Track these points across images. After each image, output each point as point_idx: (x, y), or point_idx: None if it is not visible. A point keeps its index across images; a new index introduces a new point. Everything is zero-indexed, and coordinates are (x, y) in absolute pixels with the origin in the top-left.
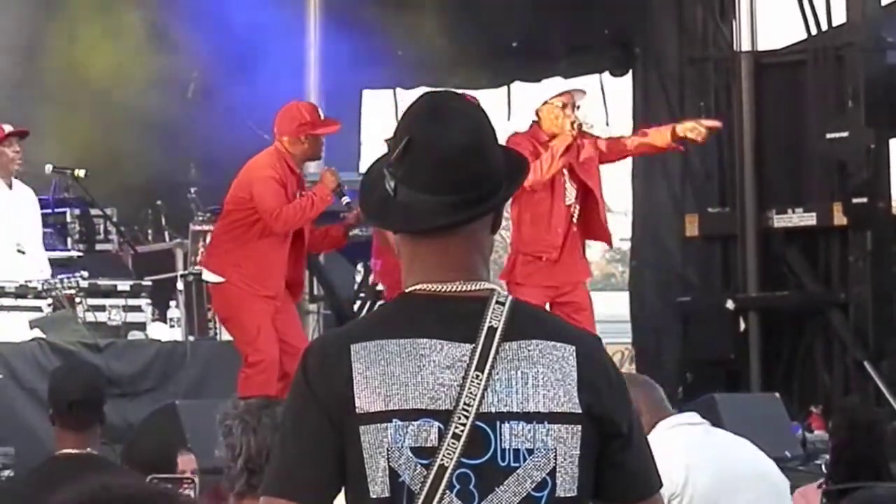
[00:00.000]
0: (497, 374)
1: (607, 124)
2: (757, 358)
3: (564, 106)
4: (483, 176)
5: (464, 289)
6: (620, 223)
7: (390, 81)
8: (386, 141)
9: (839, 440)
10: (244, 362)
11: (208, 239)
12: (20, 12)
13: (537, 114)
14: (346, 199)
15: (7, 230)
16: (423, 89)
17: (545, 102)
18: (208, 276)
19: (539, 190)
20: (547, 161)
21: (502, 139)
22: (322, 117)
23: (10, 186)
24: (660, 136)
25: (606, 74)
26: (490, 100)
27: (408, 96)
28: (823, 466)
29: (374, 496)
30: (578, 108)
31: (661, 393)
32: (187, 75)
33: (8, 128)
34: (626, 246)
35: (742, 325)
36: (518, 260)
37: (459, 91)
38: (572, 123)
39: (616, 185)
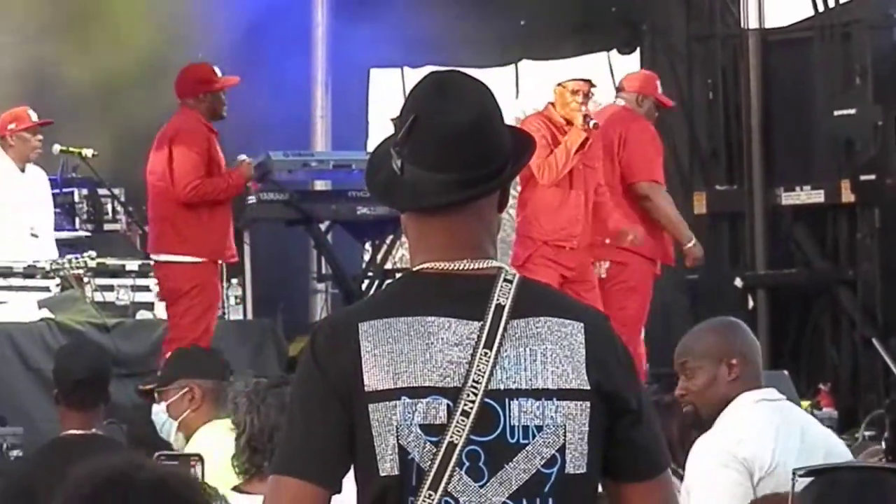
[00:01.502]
0: (505, 351)
1: (614, 102)
2: (765, 336)
3: (575, 92)
4: (489, 154)
5: (471, 267)
6: None
7: (398, 60)
8: (392, 120)
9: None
10: None
11: None
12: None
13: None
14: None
15: (21, 214)
16: (430, 68)
17: (558, 84)
18: None
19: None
20: (562, 158)
21: (514, 119)
22: (218, 74)
23: (22, 170)
24: None
25: (614, 52)
26: (498, 78)
27: (416, 75)
28: (883, 442)
29: (384, 473)
30: (591, 96)
31: (760, 359)
32: (193, 54)
33: (33, 116)
34: None
35: (750, 303)
36: (537, 250)
37: (466, 69)
38: (585, 118)
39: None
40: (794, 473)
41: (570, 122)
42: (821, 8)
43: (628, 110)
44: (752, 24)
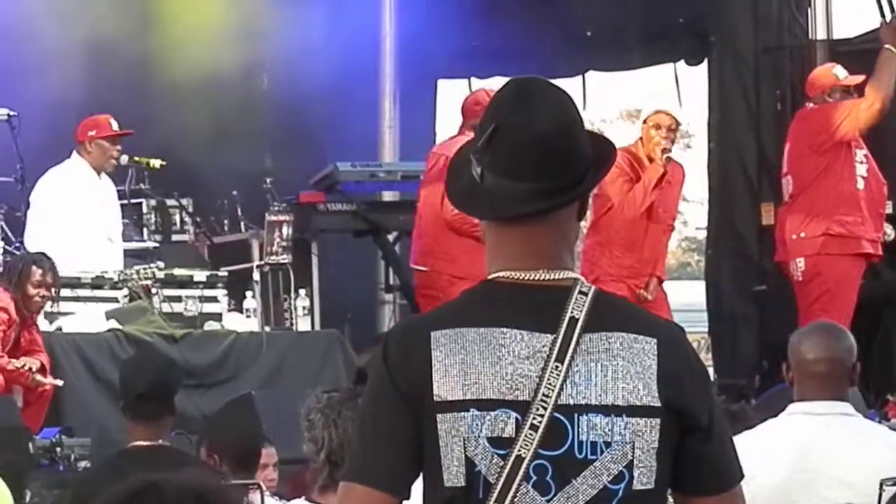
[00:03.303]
0: (577, 365)
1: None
2: None
3: (657, 127)
4: (569, 163)
5: (547, 277)
6: (696, 212)
7: (465, 71)
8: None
9: None
10: None
11: (284, 229)
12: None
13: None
14: None
15: (99, 220)
16: (497, 79)
17: (643, 120)
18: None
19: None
20: (640, 194)
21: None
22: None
23: (99, 178)
24: None
25: (681, 63)
26: (565, 89)
27: (483, 86)
28: None
29: (449, 484)
30: (675, 130)
31: (833, 370)
32: (259, 64)
33: (114, 125)
34: (702, 235)
35: None
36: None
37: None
38: (663, 151)
39: (692, 173)
40: (881, 484)
41: (651, 159)
42: (888, 18)
43: (811, 110)
44: (820, 35)
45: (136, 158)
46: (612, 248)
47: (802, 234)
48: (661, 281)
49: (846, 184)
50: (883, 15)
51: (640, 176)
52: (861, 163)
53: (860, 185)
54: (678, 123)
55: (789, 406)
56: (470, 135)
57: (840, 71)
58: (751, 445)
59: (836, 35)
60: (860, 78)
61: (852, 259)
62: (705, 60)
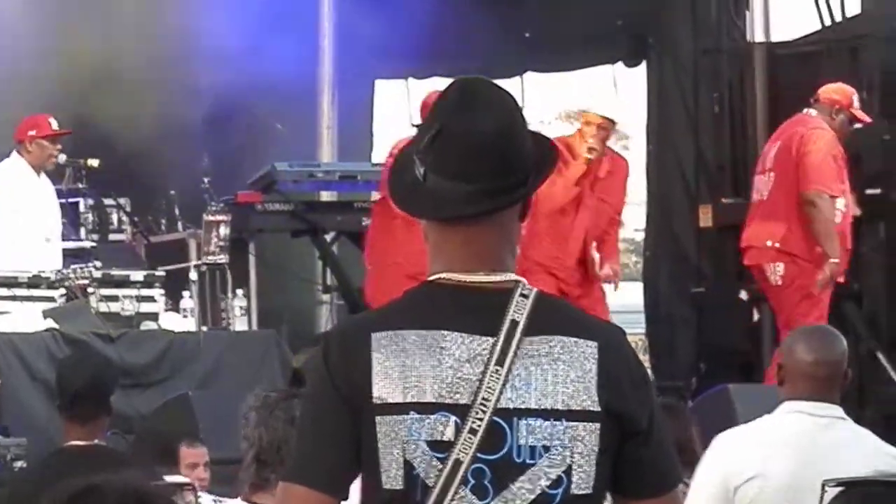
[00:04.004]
0: (517, 369)
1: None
2: (770, 348)
3: (588, 124)
4: (513, 164)
5: (488, 280)
6: (635, 213)
7: (403, 72)
8: (415, 126)
9: None
10: None
11: (221, 229)
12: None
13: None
14: None
15: (37, 220)
16: (435, 79)
17: (583, 112)
18: None
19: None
20: (560, 189)
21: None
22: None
23: (38, 177)
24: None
25: (619, 65)
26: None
27: (420, 86)
28: None
29: (388, 487)
30: (609, 134)
31: (832, 374)
32: (198, 63)
33: (54, 125)
34: (640, 236)
35: (756, 316)
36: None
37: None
38: (589, 150)
39: (630, 176)
40: (823, 485)
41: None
42: (828, 22)
43: (812, 119)
44: (759, 38)
45: (74, 159)
46: (541, 240)
47: (777, 245)
48: (615, 273)
49: None
50: (821, 18)
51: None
52: (840, 197)
53: (837, 218)
54: (612, 123)
55: (784, 404)
56: None
57: (857, 99)
58: (748, 439)
59: (775, 38)
60: (868, 118)
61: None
62: (644, 62)
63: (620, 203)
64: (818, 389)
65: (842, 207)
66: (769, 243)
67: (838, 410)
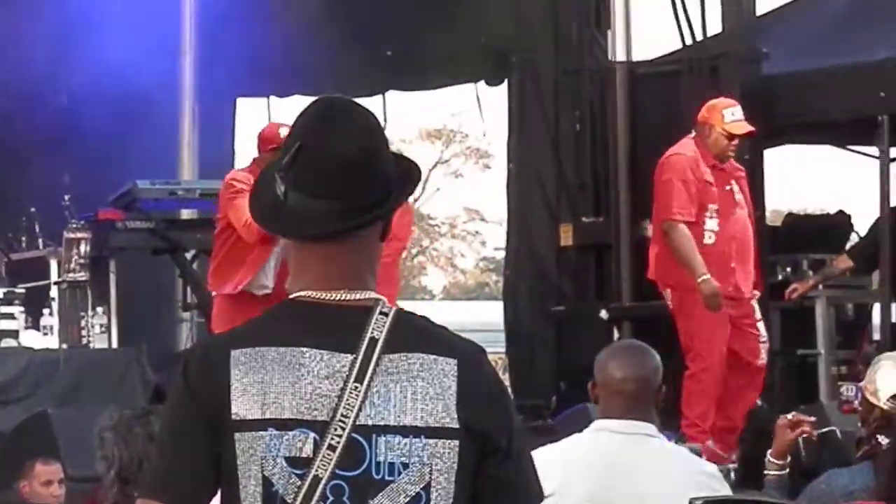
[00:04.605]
0: (376, 386)
1: (483, 134)
2: None
3: None
4: (373, 183)
5: (348, 297)
6: (495, 232)
7: (264, 90)
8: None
9: (749, 444)
10: None
11: (82, 247)
12: None
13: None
14: None
15: None
16: (297, 98)
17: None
18: None
19: None
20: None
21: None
22: None
23: None
24: None
25: (482, 84)
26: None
27: (282, 104)
28: (732, 474)
29: (247, 503)
30: None
31: (643, 390)
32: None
33: None
34: (501, 255)
35: (616, 335)
36: None
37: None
38: None
39: (491, 194)
40: (690, 502)
41: None
42: (688, 41)
43: (683, 142)
44: (620, 57)
45: None
46: None
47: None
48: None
49: (697, 238)
50: (682, 38)
51: None
52: (711, 218)
53: (709, 239)
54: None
55: (594, 422)
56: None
57: (730, 113)
58: (553, 457)
59: (636, 57)
60: (746, 128)
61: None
62: (506, 81)
63: (406, 239)
64: (629, 406)
65: (714, 227)
66: (651, 274)
67: (649, 428)
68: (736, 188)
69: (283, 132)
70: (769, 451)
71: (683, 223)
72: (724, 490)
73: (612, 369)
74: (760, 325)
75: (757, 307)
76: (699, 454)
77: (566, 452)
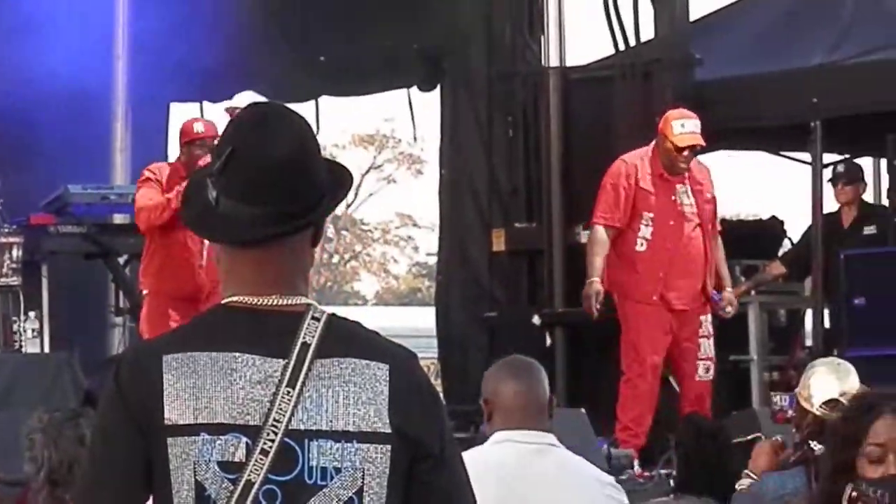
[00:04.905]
0: (308, 391)
1: (415, 139)
2: (563, 373)
3: None
4: (304, 189)
5: (280, 303)
6: (428, 237)
7: (198, 95)
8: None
9: (686, 449)
10: None
11: (14, 251)
12: None
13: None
14: None
15: None
16: (230, 103)
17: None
18: None
19: None
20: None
21: None
22: None
23: None
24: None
25: (415, 89)
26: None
27: (215, 109)
28: (671, 481)
29: None
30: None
31: (538, 401)
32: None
33: None
34: (433, 260)
35: (548, 341)
36: None
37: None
38: None
39: (424, 199)
40: None
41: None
42: (621, 47)
43: (649, 147)
44: (553, 62)
45: None
46: None
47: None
48: None
49: (629, 244)
50: (615, 43)
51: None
52: (646, 226)
53: (640, 246)
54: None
55: (496, 434)
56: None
57: (679, 125)
58: None
59: (570, 63)
60: (690, 141)
61: (637, 305)
62: (439, 87)
63: None
64: (524, 419)
65: (647, 235)
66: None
67: (549, 437)
68: (688, 200)
69: (198, 127)
70: (749, 467)
71: (604, 227)
72: (623, 498)
73: (504, 386)
74: (704, 342)
75: (706, 322)
76: (631, 459)
77: (470, 465)
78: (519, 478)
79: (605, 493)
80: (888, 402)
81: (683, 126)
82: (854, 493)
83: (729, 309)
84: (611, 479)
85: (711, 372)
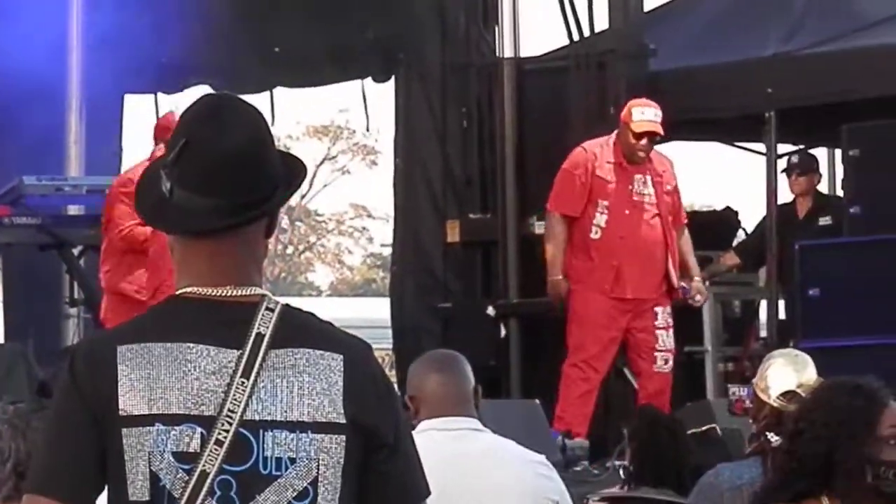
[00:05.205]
0: (263, 381)
1: (368, 130)
2: (517, 364)
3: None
4: (258, 180)
5: (234, 293)
6: (382, 228)
7: (152, 86)
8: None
9: (641, 441)
10: None
11: None
12: None
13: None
14: None
15: None
16: (184, 94)
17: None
18: None
19: None
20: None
21: None
22: None
23: None
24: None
25: (369, 80)
26: (256, 106)
27: (169, 101)
28: (622, 472)
29: (134, 499)
30: None
31: (460, 390)
32: None
33: None
34: (388, 251)
35: (503, 332)
36: None
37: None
38: None
39: (378, 190)
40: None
41: None
42: (576, 37)
43: (610, 136)
44: (507, 53)
45: None
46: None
47: None
48: None
49: (584, 231)
50: (570, 34)
51: None
52: (601, 213)
53: (595, 234)
54: None
55: (420, 424)
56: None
57: (639, 112)
58: None
59: (524, 53)
60: (647, 128)
61: (588, 293)
62: (393, 78)
63: None
64: (447, 408)
65: (601, 223)
66: None
67: (474, 422)
68: (647, 190)
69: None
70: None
71: (560, 215)
72: (555, 476)
73: (427, 380)
74: (661, 333)
75: (663, 313)
76: (585, 450)
77: None
78: (442, 462)
79: (535, 472)
80: (880, 388)
81: (643, 113)
82: (872, 477)
83: (698, 297)
84: (541, 457)
85: (670, 364)
